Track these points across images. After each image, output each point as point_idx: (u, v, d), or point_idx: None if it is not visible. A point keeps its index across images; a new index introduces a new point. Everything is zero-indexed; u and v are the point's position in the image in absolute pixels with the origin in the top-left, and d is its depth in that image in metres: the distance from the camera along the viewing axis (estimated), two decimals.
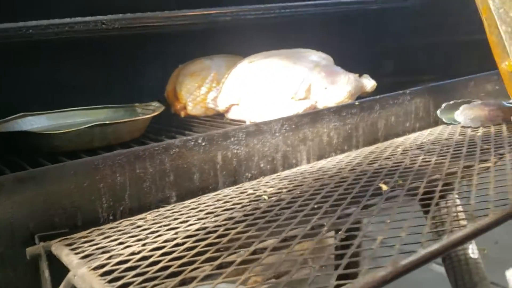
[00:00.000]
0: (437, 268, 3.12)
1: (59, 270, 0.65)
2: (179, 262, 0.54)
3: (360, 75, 1.12)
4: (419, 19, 1.60)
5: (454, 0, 1.48)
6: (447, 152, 0.86)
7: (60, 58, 1.24)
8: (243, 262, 0.52)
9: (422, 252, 0.49)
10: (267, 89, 1.00)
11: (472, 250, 1.52)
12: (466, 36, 1.53)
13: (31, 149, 0.87)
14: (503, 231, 2.86)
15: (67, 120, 1.08)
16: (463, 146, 0.89)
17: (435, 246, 0.51)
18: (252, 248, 0.55)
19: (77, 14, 0.88)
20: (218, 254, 0.55)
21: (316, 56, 1.07)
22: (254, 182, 0.88)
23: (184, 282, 0.49)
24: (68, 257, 0.62)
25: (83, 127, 0.84)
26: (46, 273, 0.67)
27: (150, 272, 0.53)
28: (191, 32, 1.39)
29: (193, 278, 0.50)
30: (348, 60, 1.29)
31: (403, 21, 1.64)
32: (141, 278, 0.52)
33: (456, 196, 0.68)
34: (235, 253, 0.55)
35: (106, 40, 1.24)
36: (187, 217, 0.70)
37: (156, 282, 0.51)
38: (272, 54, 1.06)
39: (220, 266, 0.52)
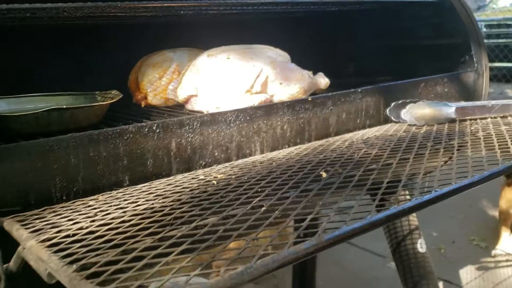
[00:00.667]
0: (393, 265, 3.22)
1: (12, 246, 0.68)
2: (123, 236, 0.58)
3: (315, 73, 1.17)
4: (377, 23, 1.67)
5: (411, 6, 1.56)
6: (388, 146, 0.93)
7: (21, 44, 1.25)
8: (183, 236, 0.56)
9: (344, 229, 0.54)
10: (224, 82, 1.04)
11: (421, 244, 1.61)
12: (422, 40, 1.60)
13: None
14: (460, 232, 2.99)
15: (27, 105, 1.09)
16: (404, 142, 0.95)
17: (356, 225, 0.56)
18: (193, 225, 0.59)
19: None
20: (160, 229, 0.59)
21: (273, 52, 1.12)
22: (207, 169, 0.92)
23: (125, 252, 0.53)
24: (18, 232, 0.65)
25: (41, 110, 0.86)
26: None
27: (94, 244, 0.57)
28: (155, 25, 1.42)
29: (134, 249, 0.53)
30: (308, 61, 1.35)
31: (363, 24, 1.71)
32: (85, 249, 0.55)
33: (386, 184, 0.73)
34: (176, 229, 0.59)
35: (69, 28, 1.25)
36: (136, 199, 0.74)
37: (99, 252, 0.54)
38: (231, 49, 1.10)
39: (161, 239, 0.56)
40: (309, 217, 0.59)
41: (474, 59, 1.46)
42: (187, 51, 1.33)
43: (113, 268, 0.49)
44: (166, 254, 0.51)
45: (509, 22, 7.14)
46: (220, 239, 0.55)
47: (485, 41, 7.72)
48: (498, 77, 6.40)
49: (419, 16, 1.57)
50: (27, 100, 1.10)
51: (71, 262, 0.52)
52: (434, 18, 1.53)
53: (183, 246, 0.53)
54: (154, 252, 0.52)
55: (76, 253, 0.55)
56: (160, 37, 1.46)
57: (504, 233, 3.27)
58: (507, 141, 0.88)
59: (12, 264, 0.68)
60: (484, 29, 7.29)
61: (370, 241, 3.37)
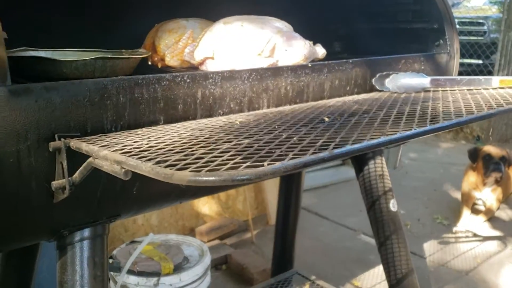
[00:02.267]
0: (364, 237, 3.48)
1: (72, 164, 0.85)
2: (180, 148, 0.75)
3: (314, 44, 1.35)
4: (363, 7, 1.86)
5: None
6: (376, 104, 1.12)
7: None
8: (228, 148, 0.74)
9: (347, 147, 0.73)
10: (238, 46, 1.21)
11: (393, 204, 1.83)
12: (403, 24, 1.81)
13: (39, 74, 1.03)
14: (425, 211, 3.29)
15: (62, 58, 1.23)
16: (388, 102, 1.15)
17: (356, 146, 0.74)
18: (233, 143, 0.77)
19: None
20: (208, 145, 0.77)
21: (279, 23, 1.30)
22: (226, 116, 1.09)
23: (187, 155, 0.70)
24: (88, 147, 0.81)
25: (89, 58, 1.02)
26: (64, 163, 0.86)
27: (159, 152, 0.74)
28: None
29: (194, 154, 0.71)
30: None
31: (350, 8, 1.90)
32: (153, 154, 0.72)
33: (378, 125, 0.92)
34: (220, 145, 0.77)
35: None
36: (177, 130, 0.91)
37: (166, 155, 0.71)
38: (244, 18, 1.27)
39: (211, 149, 0.73)
40: (321, 140, 0.77)
41: (448, 42, 1.67)
42: (199, 20, 1.49)
43: (182, 162, 0.67)
44: (220, 156, 0.69)
45: (480, 21, 7.48)
46: (256, 151, 0.73)
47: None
48: (468, 71, 6.73)
49: (400, 2, 1.77)
50: (61, 53, 1.24)
51: (148, 160, 0.69)
52: (414, 4, 1.73)
53: (232, 152, 0.70)
54: (210, 155, 0.69)
55: (147, 156, 0.71)
56: (169, 8, 1.62)
57: (465, 212, 3.56)
58: (471, 104, 1.08)
59: (78, 174, 0.85)
60: (457, 26, 7.61)
61: (344, 217, 3.62)
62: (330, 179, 4.23)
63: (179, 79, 1.02)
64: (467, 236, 3.38)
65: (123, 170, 0.71)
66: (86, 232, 1.07)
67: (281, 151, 0.72)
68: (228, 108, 1.13)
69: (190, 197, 1.30)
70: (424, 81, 1.32)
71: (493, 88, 1.35)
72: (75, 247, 1.06)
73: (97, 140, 0.85)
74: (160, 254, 2.11)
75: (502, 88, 1.35)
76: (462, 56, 7.17)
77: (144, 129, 0.94)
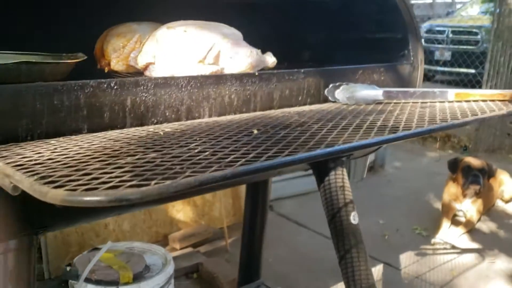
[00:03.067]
0: None
1: None
2: (77, 161, 0.71)
3: (264, 52, 1.31)
4: (329, 17, 1.82)
5: (358, 2, 1.71)
6: (316, 116, 1.07)
7: None
8: (126, 163, 0.69)
9: (255, 165, 0.68)
10: (180, 52, 1.17)
11: (354, 217, 1.77)
12: (368, 34, 1.76)
13: None
14: (404, 222, 3.23)
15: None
16: (330, 114, 1.10)
17: (266, 163, 0.70)
18: (136, 157, 0.72)
19: None
20: (108, 159, 0.72)
21: (227, 29, 1.25)
22: (158, 125, 1.05)
23: (77, 170, 0.66)
24: None
25: (11, 62, 0.97)
26: None
27: (53, 166, 0.69)
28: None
29: (85, 169, 0.66)
30: (267, 47, 1.47)
31: (318, 17, 1.86)
32: (44, 168, 0.67)
33: (304, 139, 0.88)
34: (122, 159, 0.72)
35: None
36: (92, 140, 0.86)
37: (56, 170, 0.66)
38: (189, 23, 1.22)
39: (108, 164, 0.69)
40: (233, 156, 0.72)
41: (411, 53, 1.63)
42: (152, 24, 1.44)
43: (66, 179, 0.62)
44: (111, 172, 0.64)
45: (474, 30, 7.46)
46: (155, 166, 0.68)
47: (450, 46, 7.93)
48: (457, 81, 6.71)
49: (365, 12, 1.73)
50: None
51: (32, 175, 0.64)
52: (378, 14, 1.69)
53: (126, 168, 0.66)
54: (100, 171, 0.65)
55: (37, 170, 0.67)
56: (124, 11, 1.57)
57: (445, 223, 3.52)
58: (413, 119, 1.04)
59: None
60: (450, 35, 7.61)
61: (322, 225, 3.56)
62: (311, 186, 4.17)
63: (105, 85, 0.98)
64: (445, 248, 3.33)
65: (12, 184, 0.67)
66: (11, 244, 1.02)
67: (181, 167, 0.67)
68: (163, 116, 1.08)
69: (127, 209, 1.25)
70: (376, 93, 1.27)
71: (448, 101, 1.30)
72: None
73: (2, 150, 0.81)
74: (120, 262, 2.06)
75: (459, 101, 1.31)
76: (452, 65, 7.17)
77: (61, 139, 0.89)
